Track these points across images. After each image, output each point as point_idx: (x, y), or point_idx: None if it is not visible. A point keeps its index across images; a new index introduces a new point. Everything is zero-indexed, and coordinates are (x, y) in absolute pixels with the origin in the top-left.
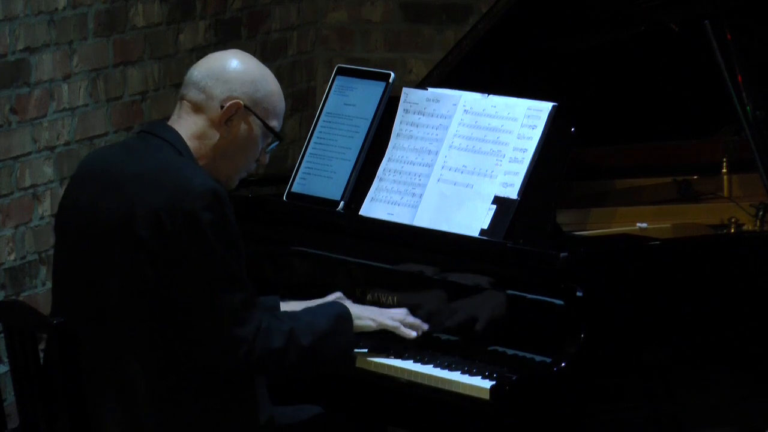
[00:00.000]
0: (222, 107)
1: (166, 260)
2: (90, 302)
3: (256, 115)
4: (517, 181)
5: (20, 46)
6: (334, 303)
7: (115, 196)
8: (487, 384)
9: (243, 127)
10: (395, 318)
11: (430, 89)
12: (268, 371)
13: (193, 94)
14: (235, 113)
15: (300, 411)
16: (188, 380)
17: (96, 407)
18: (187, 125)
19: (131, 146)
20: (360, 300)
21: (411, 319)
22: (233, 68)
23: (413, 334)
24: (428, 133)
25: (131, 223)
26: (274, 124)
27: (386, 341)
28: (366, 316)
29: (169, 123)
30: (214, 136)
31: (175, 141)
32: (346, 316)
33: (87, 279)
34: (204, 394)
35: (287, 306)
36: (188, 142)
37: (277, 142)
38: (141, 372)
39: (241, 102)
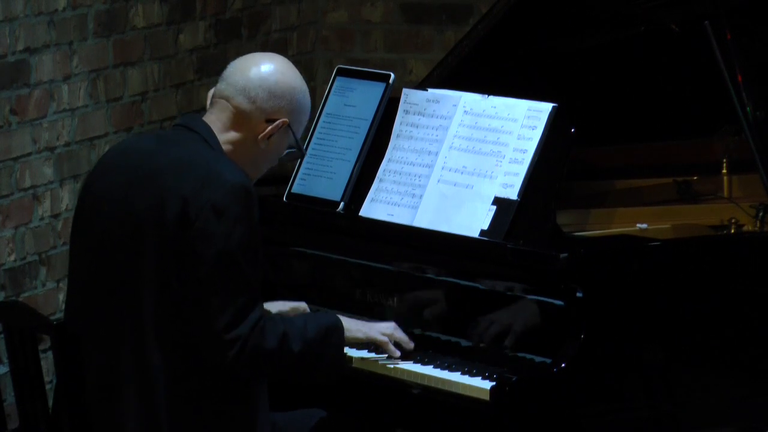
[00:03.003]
0: (268, 121)
1: (186, 251)
2: (116, 295)
3: (293, 132)
4: (517, 181)
5: (20, 47)
6: (328, 314)
7: (147, 189)
8: (487, 385)
9: (280, 142)
10: (384, 333)
11: (430, 90)
12: (260, 371)
13: (239, 100)
14: (278, 130)
15: (302, 413)
16: (202, 378)
17: (115, 402)
18: (225, 127)
19: (163, 137)
20: (361, 300)
21: (399, 334)
22: (285, 83)
23: (398, 353)
24: (428, 134)
25: (162, 215)
26: (299, 136)
27: None
28: (356, 328)
29: (206, 119)
30: (252, 147)
31: (209, 138)
32: (338, 327)
33: (115, 270)
34: (214, 391)
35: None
36: (222, 145)
37: (298, 154)
38: (161, 367)
39: (287, 121)
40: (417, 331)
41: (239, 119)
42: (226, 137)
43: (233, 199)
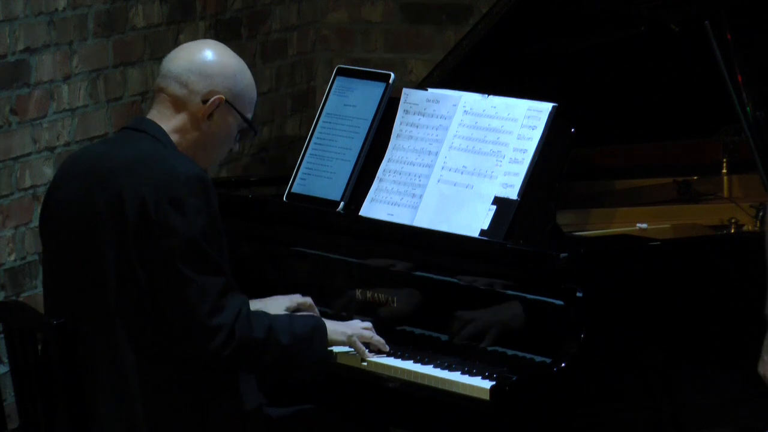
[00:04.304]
0: (204, 102)
1: (150, 247)
2: (83, 299)
3: (236, 110)
4: (517, 181)
5: (20, 47)
6: (310, 315)
7: (104, 188)
8: (487, 384)
9: (223, 121)
10: (365, 328)
11: (430, 90)
12: (246, 363)
13: (173, 87)
14: (217, 108)
15: (299, 411)
16: (178, 369)
17: (92, 400)
18: (167, 119)
19: (115, 141)
20: (361, 300)
21: (376, 338)
22: (214, 61)
23: (387, 348)
24: (428, 134)
25: (121, 213)
26: (249, 116)
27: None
28: (337, 330)
29: (149, 117)
30: (195, 130)
31: (158, 134)
32: (323, 328)
33: (79, 275)
34: (192, 382)
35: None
36: (170, 135)
37: (251, 133)
38: (134, 362)
39: (223, 97)
40: (417, 331)
41: (178, 106)
42: (171, 127)
43: (189, 191)
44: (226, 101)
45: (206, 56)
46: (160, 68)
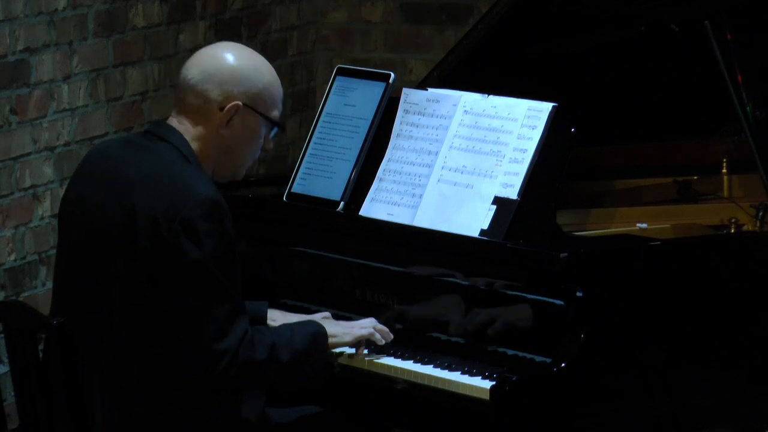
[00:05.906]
0: (221, 109)
1: (160, 267)
2: (88, 300)
3: (256, 111)
4: (517, 181)
5: (20, 47)
6: (311, 322)
7: (119, 199)
8: (487, 384)
9: (244, 124)
10: (365, 327)
11: (430, 89)
12: (249, 383)
13: (190, 98)
14: (235, 113)
15: (300, 412)
16: (179, 381)
17: (92, 400)
18: (188, 127)
19: (137, 146)
20: (361, 300)
21: (380, 327)
22: (227, 66)
23: (383, 341)
24: (428, 134)
25: (132, 228)
26: (275, 114)
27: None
28: (340, 332)
29: (173, 124)
30: (217, 137)
31: (180, 144)
32: (323, 335)
33: (87, 277)
34: (194, 393)
35: (272, 314)
36: (191, 144)
37: (278, 130)
38: (135, 364)
39: (240, 103)
40: (417, 331)
41: (197, 116)
42: (192, 135)
43: (202, 214)
44: (245, 105)
45: (220, 61)
46: (179, 75)
